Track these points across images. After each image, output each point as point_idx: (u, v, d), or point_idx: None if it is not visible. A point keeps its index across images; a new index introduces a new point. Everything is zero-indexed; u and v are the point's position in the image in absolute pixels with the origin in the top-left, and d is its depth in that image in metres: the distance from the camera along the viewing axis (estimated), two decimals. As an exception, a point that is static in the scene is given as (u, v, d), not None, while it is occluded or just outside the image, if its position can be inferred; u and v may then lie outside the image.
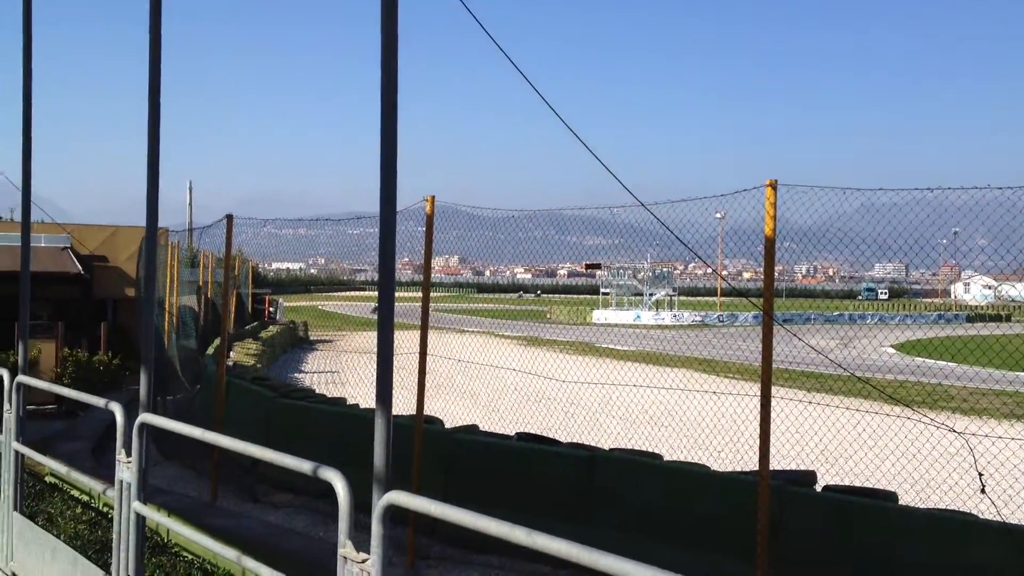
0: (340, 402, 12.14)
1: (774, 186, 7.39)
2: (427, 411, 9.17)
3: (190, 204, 58.99)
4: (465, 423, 10.39)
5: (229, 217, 11.98)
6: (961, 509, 7.21)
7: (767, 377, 6.91)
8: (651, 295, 68.74)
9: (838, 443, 13.61)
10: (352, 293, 47.25)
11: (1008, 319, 66.07)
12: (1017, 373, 23.48)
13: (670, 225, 9.06)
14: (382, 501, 3.25)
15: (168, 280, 17.85)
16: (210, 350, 18.14)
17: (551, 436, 9.61)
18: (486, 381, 19.72)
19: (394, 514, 3.26)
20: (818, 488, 7.50)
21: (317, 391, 14.06)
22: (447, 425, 10.19)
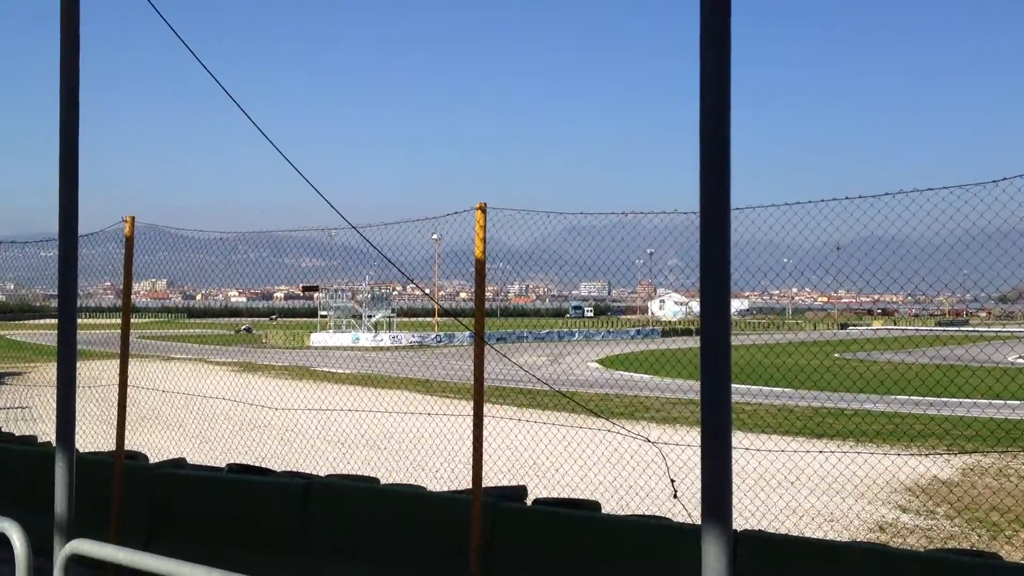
0: (30, 440, 11.06)
1: (483, 209, 7.58)
2: (130, 445, 8.55)
3: None
4: (172, 456, 9.79)
5: None
6: (658, 514, 7.71)
7: (479, 397, 7.06)
8: (370, 316, 68.61)
9: (548, 457, 14.19)
10: (47, 320, 43.37)
11: (699, 333, 72.22)
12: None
13: (389, 247, 9.07)
14: (64, 550, 2.96)
15: None
16: None
17: (265, 466, 9.26)
18: (196, 411, 18.74)
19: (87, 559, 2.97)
20: (528, 502, 7.73)
21: (4, 429, 12.71)
22: (152, 460, 9.55)
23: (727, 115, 3.47)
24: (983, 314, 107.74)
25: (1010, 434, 16.72)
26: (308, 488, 8.26)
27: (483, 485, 7.26)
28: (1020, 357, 44.15)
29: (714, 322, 3.55)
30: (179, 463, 9.39)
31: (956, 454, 15.59)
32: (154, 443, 13.91)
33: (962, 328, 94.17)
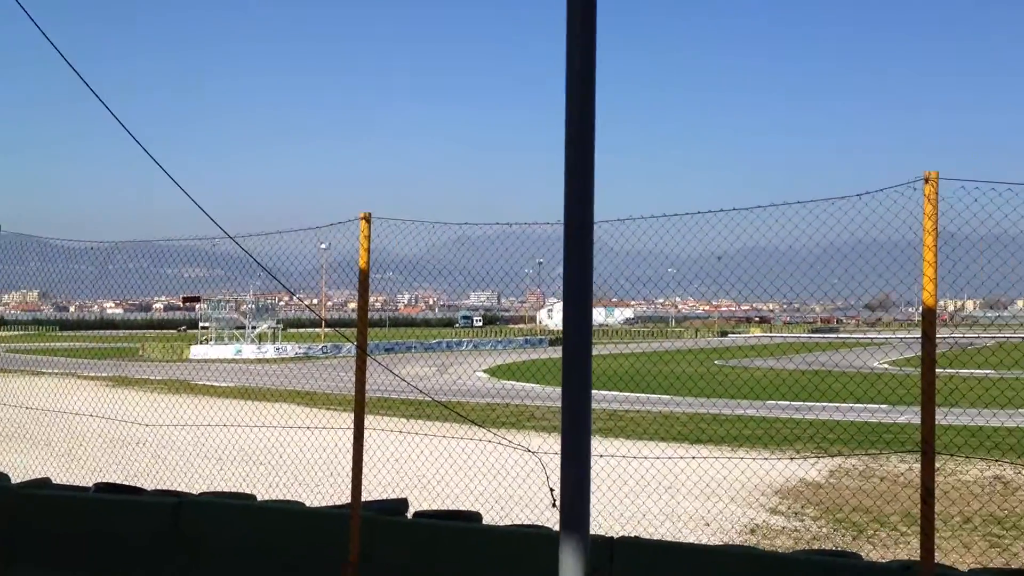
0: None
1: (368, 219, 7.52)
2: (-12, 467, 8.13)
3: None
4: (37, 476, 9.37)
5: None
6: (538, 523, 7.79)
7: (360, 409, 7.00)
8: (254, 328, 67.12)
9: (432, 468, 14.15)
10: None
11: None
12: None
13: (275, 256, 8.93)
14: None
15: None
16: None
17: (136, 484, 8.96)
18: (64, 428, 17.97)
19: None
20: (409, 515, 7.70)
21: None
22: (15, 480, 9.13)
23: (591, 127, 3.54)
24: (852, 321, 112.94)
25: (873, 436, 17.53)
26: (179, 507, 8.02)
27: (364, 499, 7.20)
28: (885, 362, 46.27)
29: (575, 334, 3.62)
30: (43, 483, 8.99)
31: (824, 457, 16.24)
32: (18, 463, 13.28)
33: (833, 335, 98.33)
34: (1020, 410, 23.26)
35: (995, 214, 6.89)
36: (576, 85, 3.52)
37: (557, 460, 9.79)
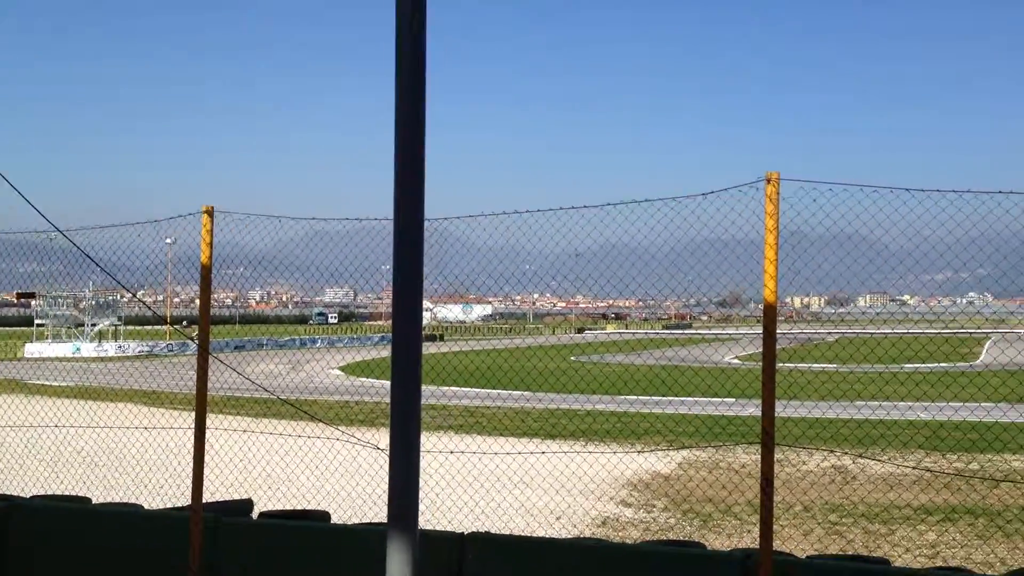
0: None
1: (210, 213, 7.21)
2: None
3: None
4: None
5: None
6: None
7: (201, 407, 6.71)
8: (94, 325, 63.95)
9: (281, 468, 13.75)
10: None
11: (442, 338, 73.42)
12: (440, 387, 26.09)
13: (117, 251, 8.50)
14: None
15: None
16: None
17: (-45, 491, 8.30)
18: None
19: None
20: (255, 516, 7.41)
21: None
22: None
23: (422, 122, 3.45)
24: (704, 317, 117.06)
25: (721, 429, 18.13)
26: (7, 512, 7.48)
27: (207, 500, 6.88)
28: (734, 357, 48.12)
29: (404, 328, 3.54)
30: None
31: (674, 450, 16.66)
32: None
33: (686, 331, 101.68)
34: (859, 402, 24.56)
35: (832, 213, 7.16)
36: (406, 75, 3.40)
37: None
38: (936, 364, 40.95)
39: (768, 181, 5.88)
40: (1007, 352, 44.63)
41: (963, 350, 53.29)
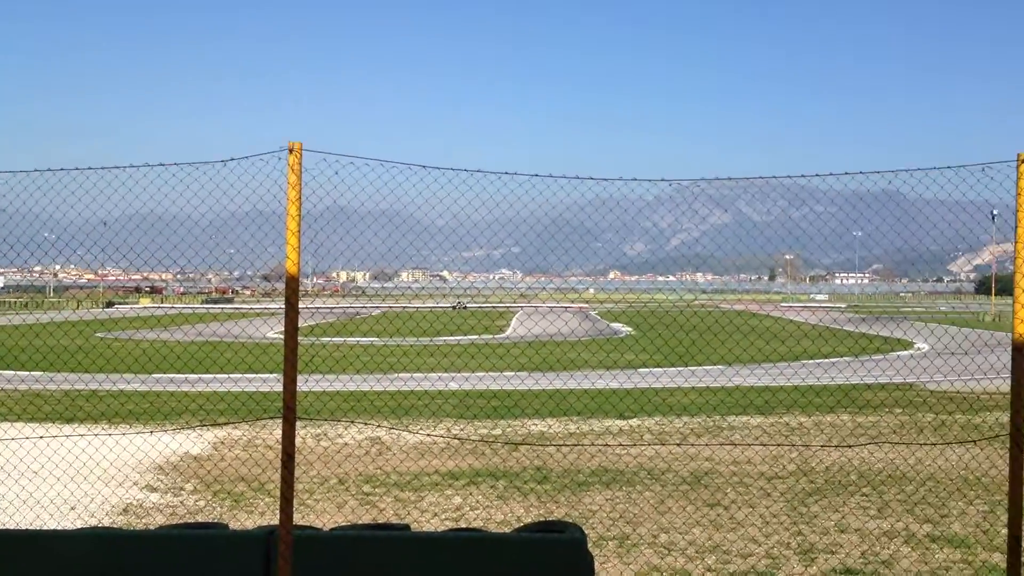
0: None
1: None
2: None
3: None
4: None
5: None
6: None
7: None
8: None
9: None
10: None
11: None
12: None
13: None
14: None
15: None
16: None
17: None
18: None
19: None
20: None
21: None
22: None
23: None
24: (248, 292, 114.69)
25: (262, 406, 17.66)
26: None
27: None
28: (279, 332, 47.71)
29: None
30: None
31: (209, 428, 15.93)
32: None
33: (228, 306, 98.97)
34: (397, 375, 25.51)
35: (382, 190, 7.18)
36: None
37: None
38: (469, 336, 44.18)
39: (291, 151, 5.72)
40: (531, 324, 49.16)
41: (499, 323, 58.08)
